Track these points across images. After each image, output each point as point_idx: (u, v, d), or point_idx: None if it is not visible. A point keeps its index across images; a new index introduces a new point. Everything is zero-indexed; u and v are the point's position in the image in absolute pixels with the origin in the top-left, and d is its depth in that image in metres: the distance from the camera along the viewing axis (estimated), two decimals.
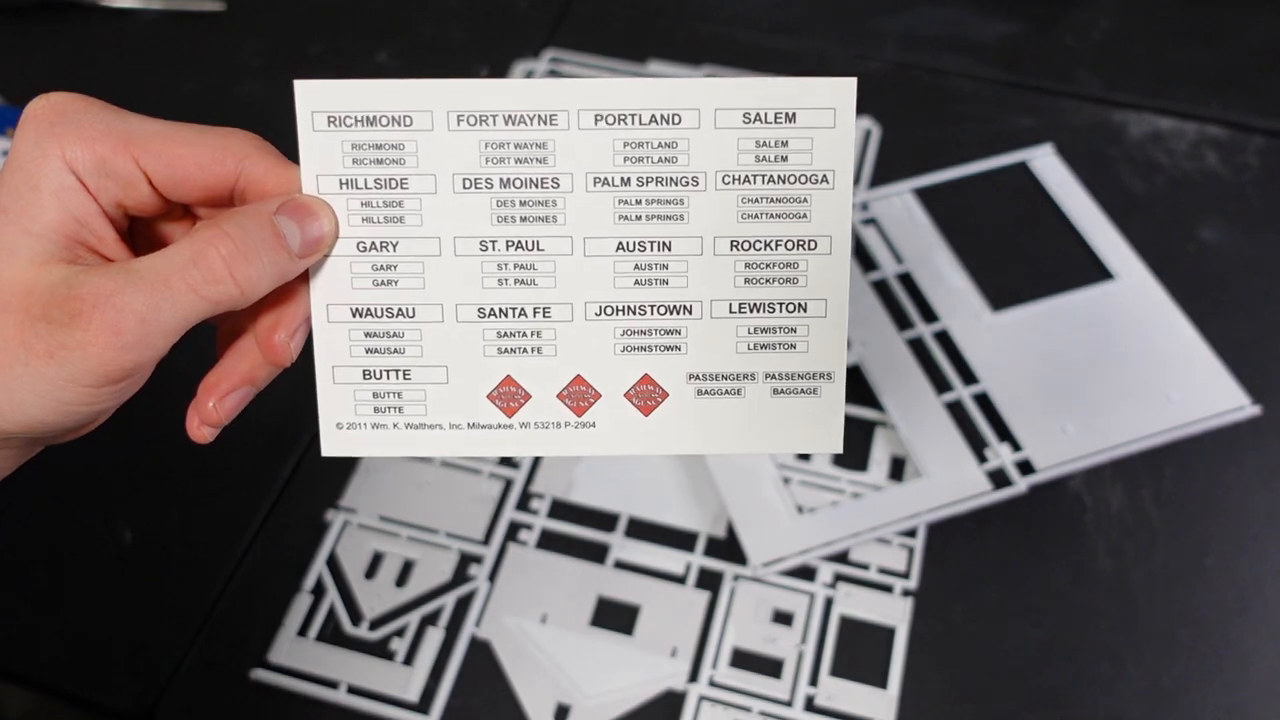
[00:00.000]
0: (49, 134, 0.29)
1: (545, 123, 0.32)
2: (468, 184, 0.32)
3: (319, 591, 0.51)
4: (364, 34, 0.75)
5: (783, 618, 0.50)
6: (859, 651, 0.49)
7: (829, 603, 0.51)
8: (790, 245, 0.33)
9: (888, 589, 0.51)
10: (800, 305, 0.33)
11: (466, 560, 0.52)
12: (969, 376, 0.57)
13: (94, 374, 0.28)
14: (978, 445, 0.54)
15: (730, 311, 0.33)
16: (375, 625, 0.50)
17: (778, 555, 0.51)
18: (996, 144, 0.67)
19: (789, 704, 0.48)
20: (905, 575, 0.51)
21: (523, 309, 0.33)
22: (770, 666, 0.49)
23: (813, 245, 0.33)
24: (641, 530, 0.53)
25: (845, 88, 0.32)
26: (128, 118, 0.30)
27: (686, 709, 0.48)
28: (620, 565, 0.52)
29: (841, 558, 0.52)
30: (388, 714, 0.48)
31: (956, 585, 0.51)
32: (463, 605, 0.51)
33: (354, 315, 0.33)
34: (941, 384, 0.57)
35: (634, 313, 0.33)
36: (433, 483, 0.54)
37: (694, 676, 0.49)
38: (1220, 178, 0.66)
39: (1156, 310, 0.59)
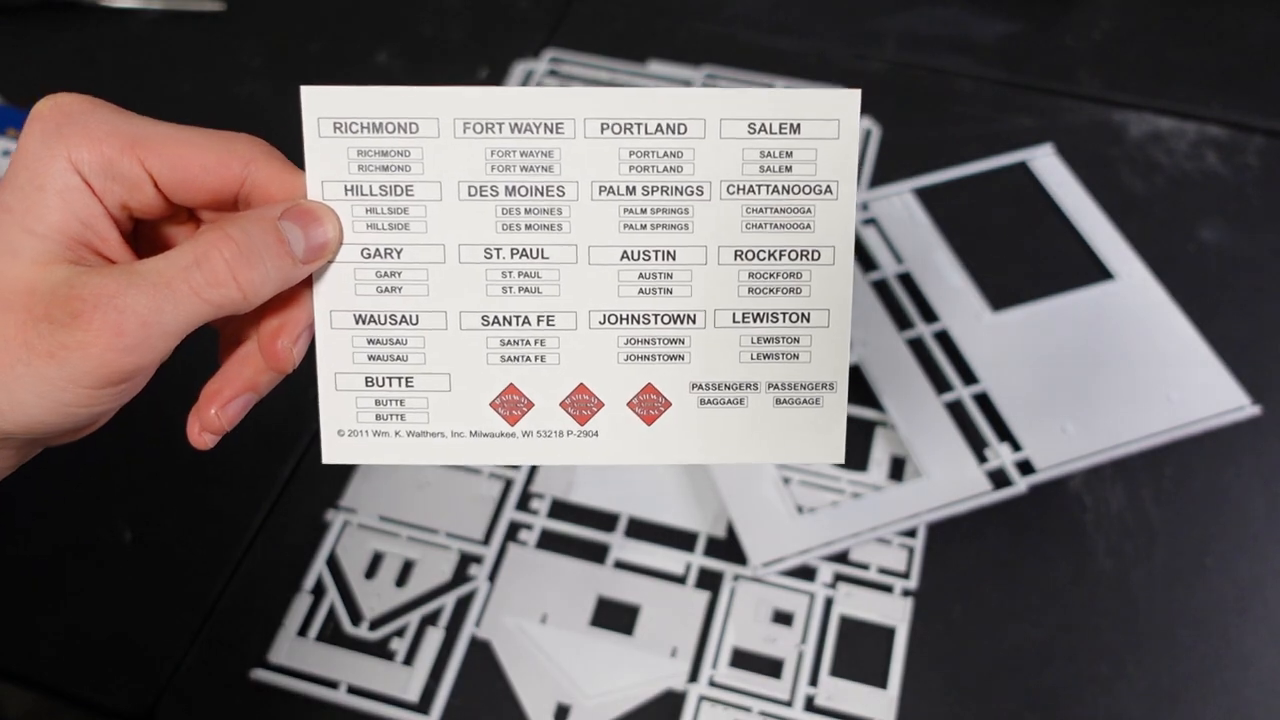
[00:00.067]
0: (55, 134, 0.29)
1: (551, 131, 0.32)
2: (473, 191, 0.32)
3: (319, 591, 0.51)
4: (364, 34, 0.75)
5: (783, 618, 0.50)
6: (859, 651, 0.49)
7: (829, 603, 0.51)
8: (794, 255, 0.33)
9: (888, 589, 0.51)
10: (803, 315, 0.33)
11: (466, 560, 0.52)
12: (969, 376, 0.57)
13: (94, 375, 0.28)
14: (978, 445, 0.54)
15: (733, 321, 0.33)
16: (375, 625, 0.50)
17: (778, 555, 0.51)
18: (996, 144, 0.68)
19: (789, 704, 0.48)
20: (905, 575, 0.51)
21: (526, 317, 0.33)
22: (770, 666, 0.49)
23: (816, 256, 0.33)
24: (641, 530, 0.53)
25: (849, 99, 0.32)
26: (134, 120, 0.30)
27: (686, 709, 0.48)
28: (620, 565, 0.52)
29: (841, 558, 0.52)
30: (388, 714, 0.48)
31: (956, 585, 0.51)
32: (463, 605, 0.51)
33: (357, 322, 0.33)
34: (941, 384, 0.57)
35: (637, 322, 0.33)
36: (433, 483, 0.54)
37: (694, 676, 0.49)
38: (1220, 178, 0.66)
39: (1156, 310, 0.59)
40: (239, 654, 0.50)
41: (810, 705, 0.48)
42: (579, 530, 0.53)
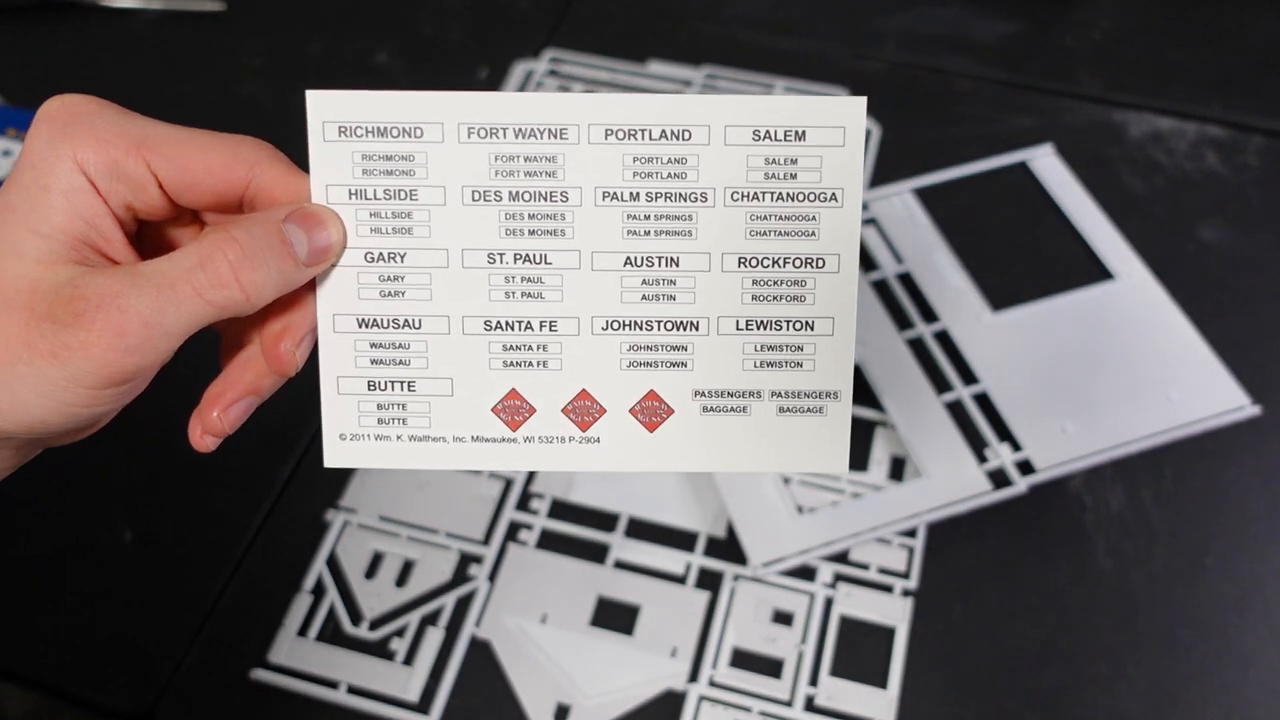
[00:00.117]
0: (61, 135, 0.29)
1: (555, 136, 0.32)
2: (477, 196, 0.32)
3: (319, 591, 0.51)
4: (364, 34, 0.76)
5: (783, 618, 0.50)
6: (859, 651, 0.49)
7: (829, 603, 0.51)
8: (798, 263, 0.33)
9: (888, 589, 0.51)
10: (807, 323, 0.33)
11: (466, 560, 0.52)
12: (969, 376, 0.57)
13: (96, 375, 0.28)
14: (978, 445, 0.54)
15: (737, 328, 0.33)
16: (375, 625, 0.50)
17: (778, 555, 0.51)
18: (996, 144, 0.68)
19: (789, 704, 0.48)
20: (905, 575, 0.51)
21: (529, 322, 0.33)
22: (770, 666, 0.49)
23: (820, 263, 0.33)
24: (641, 530, 0.53)
25: (855, 107, 0.32)
26: (141, 121, 0.30)
27: (686, 709, 0.48)
28: (620, 565, 0.52)
29: (841, 558, 0.52)
30: (388, 714, 0.48)
31: (956, 585, 0.51)
32: (463, 605, 0.51)
33: (360, 326, 0.33)
34: (941, 384, 0.57)
35: (640, 328, 0.33)
36: (433, 483, 0.54)
37: (694, 676, 0.49)
38: (1220, 178, 0.66)
39: (1156, 310, 0.59)
40: (239, 654, 0.50)
41: (810, 705, 0.48)
42: (579, 530, 0.53)
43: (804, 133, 0.32)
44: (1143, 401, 0.55)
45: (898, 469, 0.54)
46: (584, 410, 0.33)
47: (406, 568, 0.52)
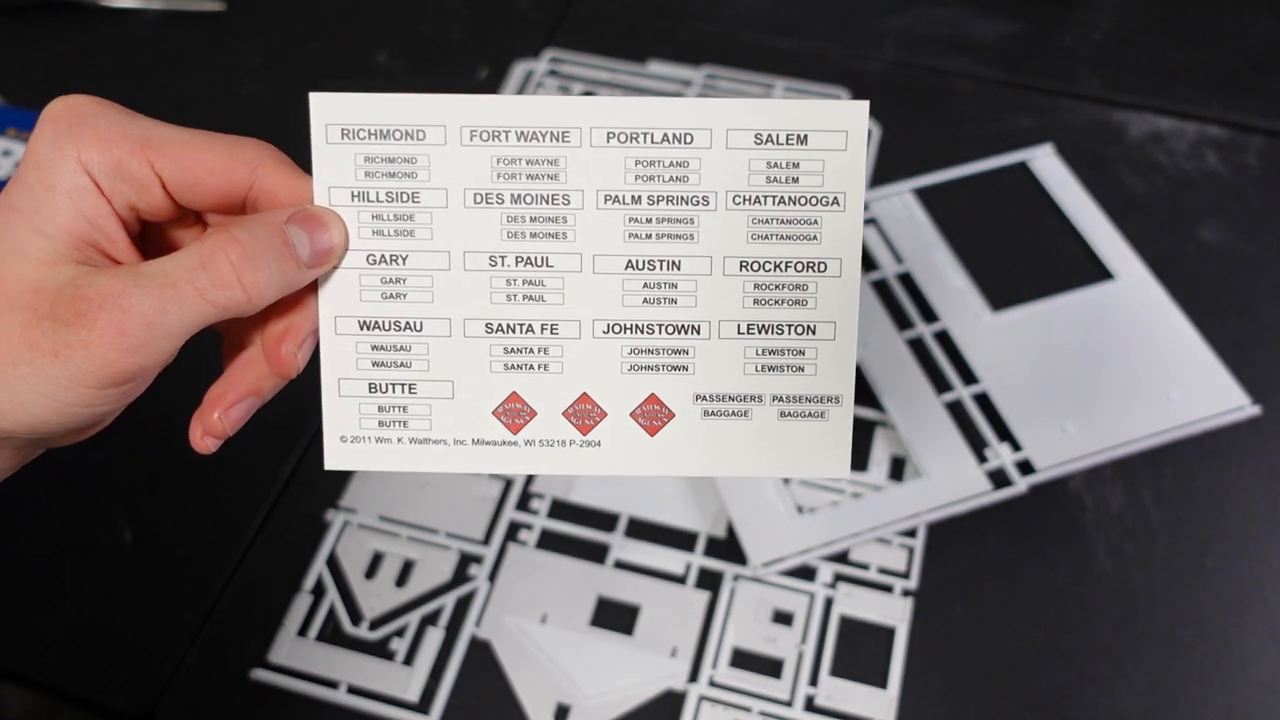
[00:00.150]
0: (66, 135, 0.29)
1: (557, 139, 0.32)
2: (479, 199, 0.32)
3: (319, 591, 0.51)
4: (364, 34, 0.76)
5: (783, 618, 0.50)
6: (859, 651, 0.49)
7: (829, 603, 0.51)
8: (800, 267, 0.33)
9: (888, 589, 0.51)
10: (809, 328, 0.33)
11: (466, 560, 0.52)
12: (969, 376, 0.57)
13: (97, 375, 0.28)
14: (978, 445, 0.54)
15: (738, 332, 0.33)
16: (375, 625, 0.50)
17: (778, 555, 0.51)
18: (996, 144, 0.68)
19: (789, 704, 0.48)
20: (905, 575, 0.51)
21: (530, 325, 0.33)
22: (770, 666, 0.49)
23: (822, 267, 0.33)
24: (641, 530, 0.53)
25: (857, 111, 0.32)
26: (145, 122, 0.30)
27: (686, 709, 0.48)
28: (620, 565, 0.52)
29: (841, 558, 0.52)
30: (388, 714, 0.48)
31: (956, 585, 0.51)
32: (463, 605, 0.51)
33: (361, 328, 0.33)
34: (941, 384, 0.57)
35: (642, 331, 0.33)
36: (433, 483, 0.54)
37: (694, 676, 0.49)
38: (1220, 178, 0.66)
39: (1156, 310, 0.59)
40: (239, 654, 0.50)
41: (810, 705, 0.48)
42: (579, 530, 0.53)
43: (806, 136, 0.32)
44: (1143, 401, 0.55)
45: (898, 469, 0.54)
46: (585, 413, 0.33)
47: (406, 568, 0.52)
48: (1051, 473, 0.53)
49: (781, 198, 0.32)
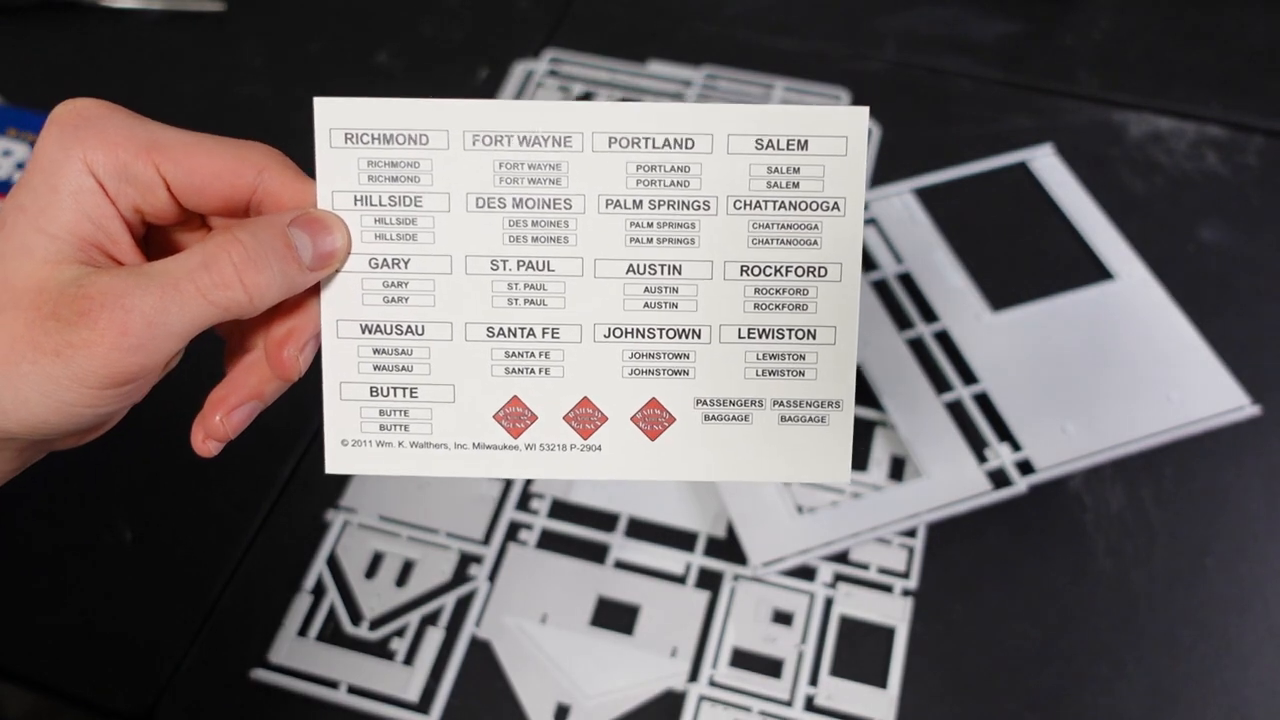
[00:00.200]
0: (72, 137, 0.29)
1: (559, 144, 0.32)
2: (481, 203, 0.32)
3: (319, 591, 0.51)
4: (364, 34, 0.76)
5: (783, 618, 0.50)
6: (859, 651, 0.49)
7: (829, 603, 0.51)
8: (800, 272, 0.33)
9: (888, 589, 0.51)
10: (809, 332, 0.33)
11: (466, 560, 0.52)
12: (969, 376, 0.57)
13: (98, 374, 0.28)
14: (978, 445, 0.54)
15: (739, 337, 0.33)
16: (375, 625, 0.50)
17: (778, 555, 0.51)
18: (996, 144, 0.68)
19: (789, 704, 0.48)
20: (905, 575, 0.51)
21: (531, 329, 0.33)
22: (770, 666, 0.49)
23: (823, 272, 0.33)
24: (641, 530, 0.53)
25: (857, 116, 0.32)
26: (150, 125, 0.30)
27: (686, 709, 0.48)
28: (620, 565, 0.52)
29: (841, 558, 0.52)
30: (388, 714, 0.48)
31: (956, 585, 0.51)
32: (463, 605, 0.51)
33: (363, 331, 0.33)
34: (941, 384, 0.57)
35: (643, 335, 0.33)
36: (433, 483, 0.54)
37: (694, 676, 0.49)
38: (1220, 178, 0.66)
39: (1156, 310, 0.59)
40: (239, 654, 0.50)
41: (810, 705, 0.48)
42: (579, 530, 0.53)
43: (806, 142, 0.32)
44: (1143, 401, 0.55)
45: (898, 469, 0.54)
46: (585, 418, 0.33)
47: (406, 568, 0.52)
48: (1051, 473, 0.53)
49: (782, 203, 0.32)
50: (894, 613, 0.50)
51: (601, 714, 0.48)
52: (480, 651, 0.50)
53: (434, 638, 0.50)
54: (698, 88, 0.71)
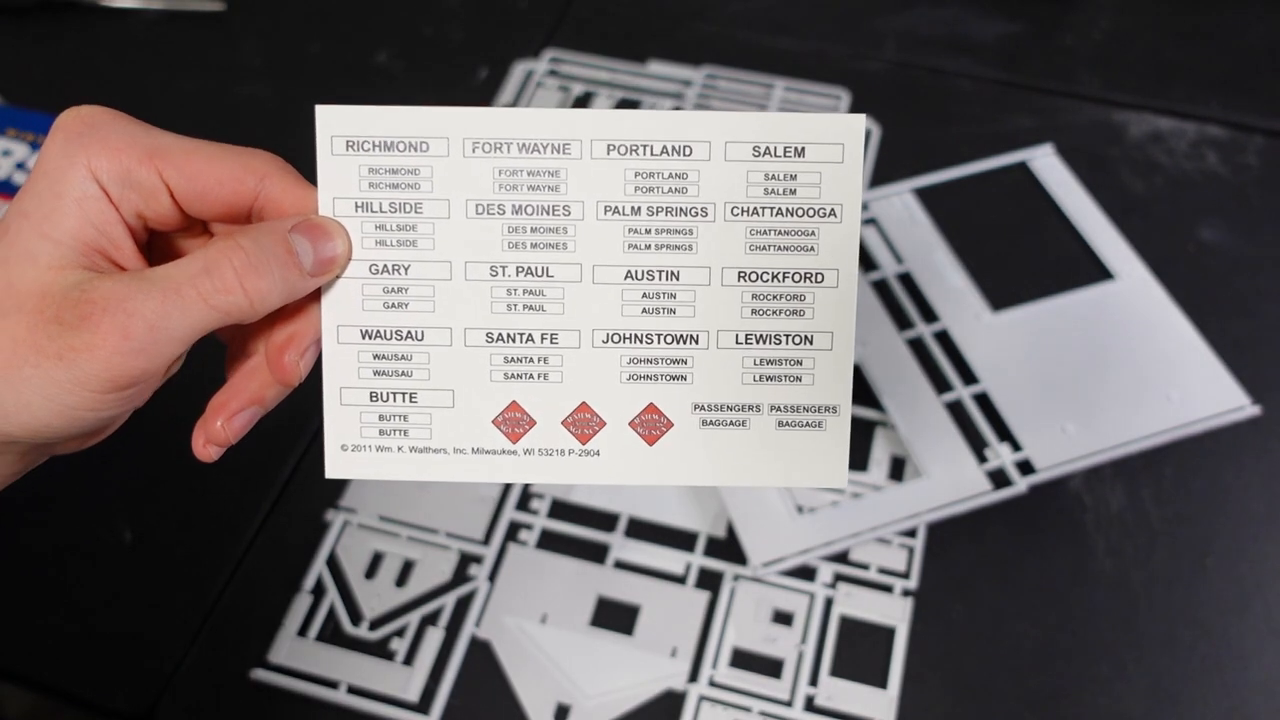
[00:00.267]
0: (76, 143, 0.29)
1: (558, 151, 0.32)
2: (480, 210, 0.33)
3: (319, 591, 0.51)
4: (364, 34, 0.75)
5: (783, 618, 0.50)
6: (859, 651, 0.49)
7: (829, 603, 0.51)
8: (797, 278, 0.33)
9: (888, 589, 0.51)
10: (806, 338, 0.33)
11: (466, 560, 0.52)
12: (969, 376, 0.57)
13: (100, 377, 0.28)
14: (978, 445, 0.54)
15: (736, 342, 0.33)
16: (375, 625, 0.50)
17: (778, 555, 0.51)
18: (996, 144, 0.68)
19: (789, 704, 0.48)
20: (905, 575, 0.51)
21: (530, 335, 0.33)
22: (770, 666, 0.49)
23: (819, 278, 0.33)
24: (641, 530, 0.53)
25: (854, 124, 0.32)
26: (154, 132, 0.30)
27: (686, 709, 0.48)
28: (620, 565, 0.52)
29: (841, 558, 0.52)
30: (388, 714, 0.48)
31: (956, 585, 0.51)
32: (463, 605, 0.51)
33: (363, 337, 0.33)
34: (941, 384, 0.57)
35: (641, 341, 0.33)
36: (433, 483, 0.54)
37: (694, 676, 0.49)
38: (1220, 178, 0.66)
39: (1156, 310, 0.59)
40: (239, 654, 0.50)
41: (810, 705, 0.48)
42: (579, 530, 0.53)
43: (803, 149, 0.32)
44: (1143, 401, 0.55)
45: (898, 469, 0.54)
46: (584, 423, 0.34)
47: (406, 568, 0.52)
48: (1051, 473, 0.53)
49: (779, 209, 0.33)
50: (894, 613, 0.50)
51: (601, 714, 0.48)
52: (480, 651, 0.50)
53: (434, 638, 0.50)
54: (698, 88, 0.71)
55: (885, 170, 0.67)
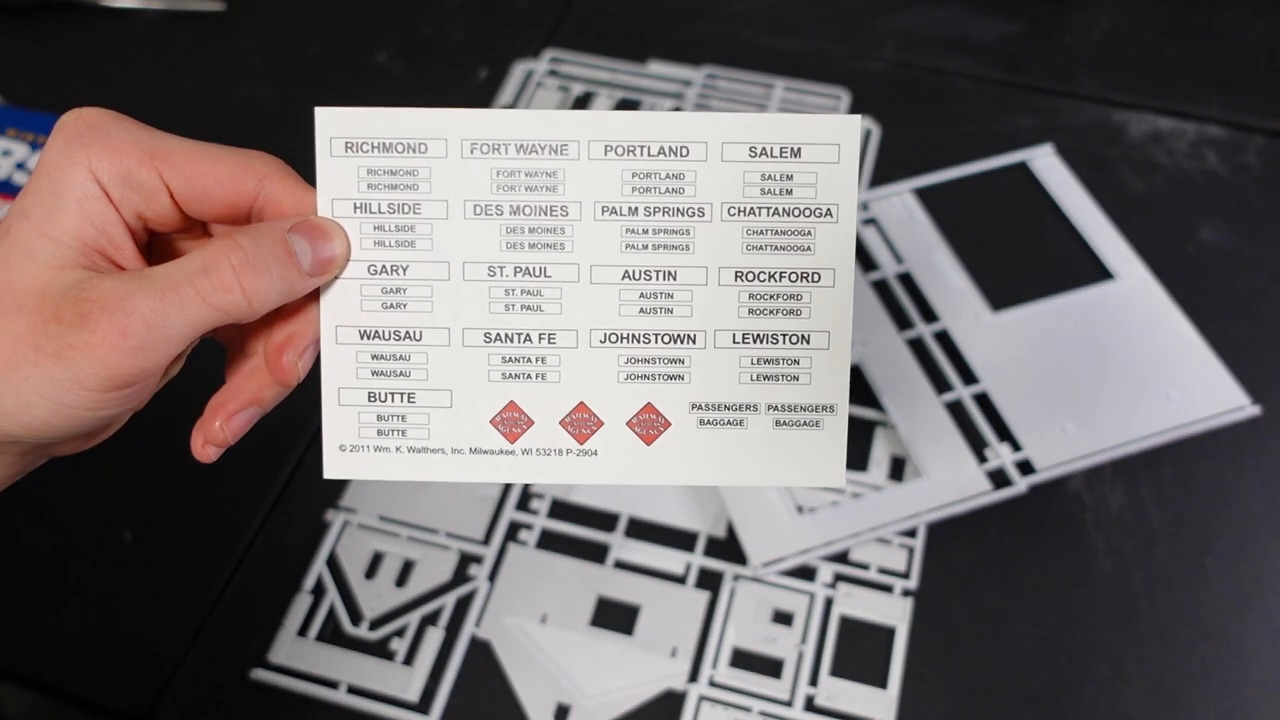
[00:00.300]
0: (77, 144, 0.29)
1: (556, 152, 0.32)
2: (478, 210, 0.33)
3: (319, 591, 0.51)
4: (364, 34, 0.76)
5: (783, 618, 0.50)
6: (859, 651, 0.49)
7: (829, 603, 0.51)
8: (794, 277, 0.33)
9: (888, 589, 0.51)
10: (803, 337, 0.33)
11: (466, 560, 0.52)
12: (969, 376, 0.57)
13: (98, 376, 0.28)
14: (978, 445, 0.54)
15: (733, 342, 0.33)
16: (375, 625, 0.50)
17: (778, 555, 0.51)
18: (996, 144, 0.68)
19: (789, 704, 0.48)
20: (905, 575, 0.51)
21: (528, 335, 0.33)
22: (770, 666, 0.49)
23: (816, 278, 0.33)
24: (641, 530, 0.53)
25: (849, 124, 0.32)
26: (155, 133, 0.31)
27: (686, 709, 0.48)
28: (620, 565, 0.52)
29: (841, 558, 0.52)
30: (388, 714, 0.48)
31: (956, 585, 0.51)
32: (463, 605, 0.51)
33: (362, 337, 0.33)
34: (941, 384, 0.57)
35: (638, 341, 0.33)
36: (433, 483, 0.54)
37: (694, 676, 0.49)
38: (1220, 178, 0.66)
39: (1156, 310, 0.59)
40: (239, 654, 0.50)
41: (810, 705, 0.48)
42: (579, 530, 0.53)
43: (800, 150, 0.32)
44: (1143, 401, 0.55)
45: (898, 469, 0.54)
46: (581, 423, 0.34)
47: (406, 568, 0.52)
48: (1051, 473, 0.53)
49: (776, 209, 0.33)
50: (894, 613, 0.50)
51: (601, 714, 0.48)
52: (480, 651, 0.50)
53: (434, 638, 0.50)
54: (698, 88, 0.71)
55: (885, 170, 0.67)
